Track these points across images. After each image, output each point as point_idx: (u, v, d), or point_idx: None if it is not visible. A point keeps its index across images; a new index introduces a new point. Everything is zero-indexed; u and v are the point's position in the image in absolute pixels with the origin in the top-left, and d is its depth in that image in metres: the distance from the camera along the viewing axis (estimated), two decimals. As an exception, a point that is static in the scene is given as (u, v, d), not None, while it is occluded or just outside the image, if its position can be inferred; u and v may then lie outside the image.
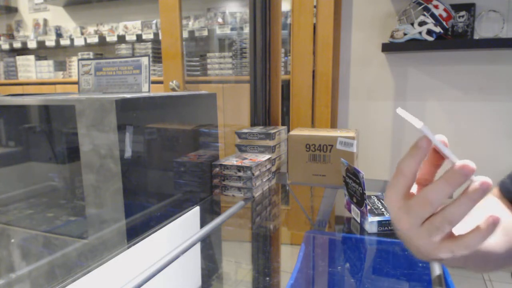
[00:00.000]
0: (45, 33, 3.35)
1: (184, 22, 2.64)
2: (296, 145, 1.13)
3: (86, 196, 0.73)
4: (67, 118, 0.86)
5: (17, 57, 3.38)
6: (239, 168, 0.99)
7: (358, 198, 0.84)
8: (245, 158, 1.07)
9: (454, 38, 1.72)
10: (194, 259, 0.72)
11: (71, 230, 0.83)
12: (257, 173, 1.02)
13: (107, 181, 0.71)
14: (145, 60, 1.00)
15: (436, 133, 0.32)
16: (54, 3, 3.29)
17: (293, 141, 1.14)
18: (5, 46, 3.44)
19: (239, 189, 1.00)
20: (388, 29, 1.78)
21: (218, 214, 0.90)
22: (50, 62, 3.29)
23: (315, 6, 1.79)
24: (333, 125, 1.95)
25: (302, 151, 1.13)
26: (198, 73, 2.69)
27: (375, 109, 1.92)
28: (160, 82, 2.07)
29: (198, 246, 0.74)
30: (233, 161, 1.04)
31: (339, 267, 0.71)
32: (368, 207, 0.85)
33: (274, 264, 0.77)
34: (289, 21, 2.15)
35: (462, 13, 1.69)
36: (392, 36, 1.74)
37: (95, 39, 3.05)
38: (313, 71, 1.81)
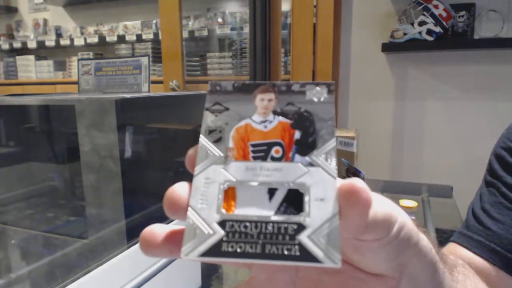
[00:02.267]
0: (45, 33, 3.35)
1: (184, 22, 2.63)
2: (296, 145, 1.13)
3: (86, 196, 0.73)
4: (67, 118, 0.86)
5: (17, 57, 3.37)
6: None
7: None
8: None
9: (454, 38, 1.72)
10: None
11: (71, 230, 0.83)
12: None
13: (107, 181, 0.71)
14: (145, 60, 1.00)
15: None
16: (54, 3, 3.29)
17: (293, 141, 1.13)
18: (5, 46, 3.43)
19: (239, 189, 1.00)
20: (388, 29, 1.78)
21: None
22: (50, 62, 3.28)
23: (315, 6, 1.79)
24: (333, 125, 1.95)
25: (302, 151, 1.12)
26: (198, 73, 2.69)
27: (375, 109, 1.92)
28: (160, 82, 2.07)
29: (198, 246, 0.73)
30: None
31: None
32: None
33: (274, 264, 0.77)
34: (289, 21, 2.15)
35: (462, 13, 1.69)
36: (392, 36, 1.73)
37: (95, 39, 3.05)
38: (313, 71, 1.81)
